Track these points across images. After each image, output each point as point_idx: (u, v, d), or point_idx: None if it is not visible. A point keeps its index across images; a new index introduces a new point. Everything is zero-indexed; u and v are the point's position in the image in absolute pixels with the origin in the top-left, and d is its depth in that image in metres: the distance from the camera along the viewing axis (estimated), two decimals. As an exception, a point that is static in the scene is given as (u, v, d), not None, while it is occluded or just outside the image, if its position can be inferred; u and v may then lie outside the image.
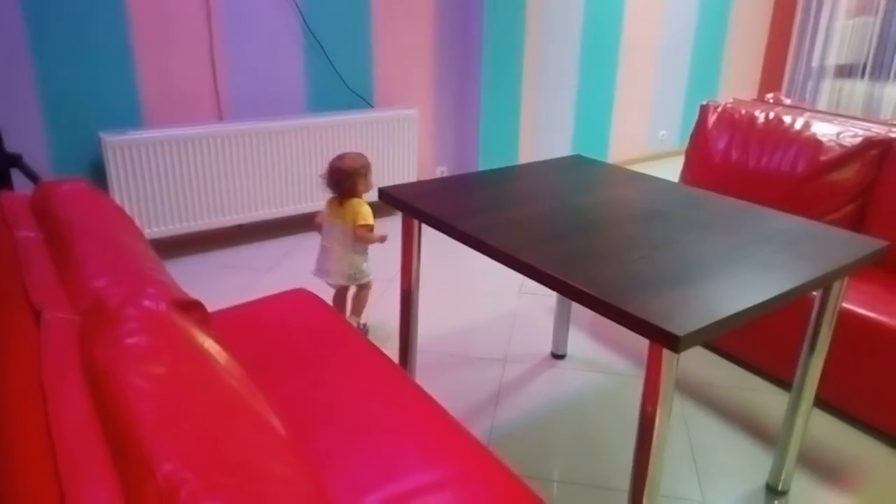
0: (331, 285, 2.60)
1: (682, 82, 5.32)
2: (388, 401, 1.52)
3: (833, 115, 2.71)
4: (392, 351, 2.04)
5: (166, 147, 3.06)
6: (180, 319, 1.14)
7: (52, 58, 2.84)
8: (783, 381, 2.34)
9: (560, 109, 4.67)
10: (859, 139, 2.48)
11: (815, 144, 2.57)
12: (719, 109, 2.95)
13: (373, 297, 2.68)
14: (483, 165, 4.15)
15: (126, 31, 2.99)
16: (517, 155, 4.30)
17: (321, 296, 2.07)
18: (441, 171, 4.22)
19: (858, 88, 5.26)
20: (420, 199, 1.81)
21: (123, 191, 3.00)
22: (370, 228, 2.47)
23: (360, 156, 2.54)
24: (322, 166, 3.65)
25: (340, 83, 3.68)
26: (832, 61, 5.50)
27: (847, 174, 2.49)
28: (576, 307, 2.50)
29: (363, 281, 2.58)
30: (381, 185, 3.72)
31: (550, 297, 2.96)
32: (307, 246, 3.48)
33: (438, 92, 4.06)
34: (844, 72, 5.51)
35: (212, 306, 1.35)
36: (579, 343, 2.58)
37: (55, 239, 1.37)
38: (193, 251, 3.33)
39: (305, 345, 1.75)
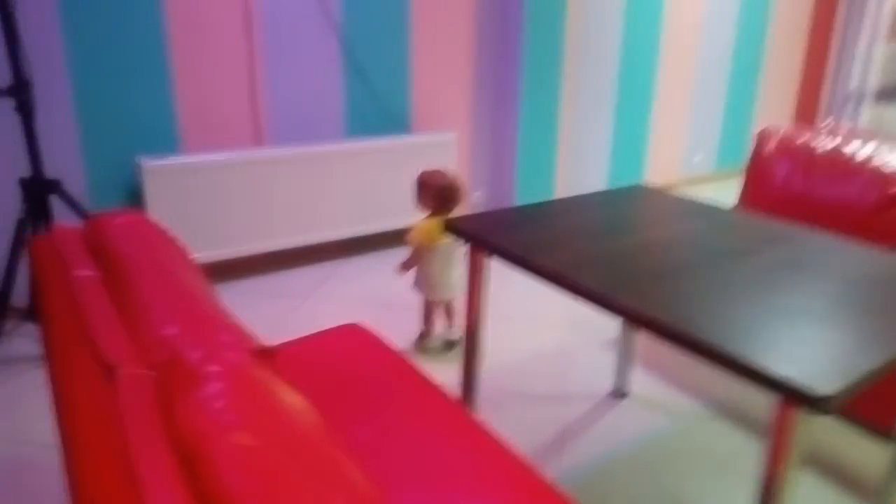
0: (437, 302, 2.63)
1: (719, 106, 5.21)
2: (465, 451, 1.40)
3: (904, 142, 2.59)
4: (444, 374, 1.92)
5: (206, 173, 2.97)
6: (261, 372, 1.03)
7: (90, 79, 2.77)
8: (878, 428, 2.18)
9: (597, 132, 4.56)
10: (936, 168, 2.35)
11: (885, 174, 2.44)
12: (779, 136, 2.83)
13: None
14: (520, 189, 4.05)
15: (165, 53, 2.92)
16: (553, 179, 4.20)
17: (372, 326, 1.95)
18: (477, 196, 4.12)
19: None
20: (491, 231, 1.70)
21: (162, 217, 2.91)
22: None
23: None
24: (360, 191, 3.52)
25: (378, 106, 3.60)
26: (871, 85, 5.38)
27: (923, 205, 2.36)
28: (645, 343, 2.37)
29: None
30: (415, 210, 3.68)
31: (603, 328, 2.83)
32: (344, 273, 3.37)
33: (476, 115, 3.97)
34: (884, 95, 5.39)
35: (257, 334, 1.25)
36: (642, 381, 2.45)
37: (115, 278, 1.27)
38: (230, 278, 3.23)
39: (369, 387, 1.63)
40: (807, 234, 1.76)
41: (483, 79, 3.91)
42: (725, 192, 5.03)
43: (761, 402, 2.34)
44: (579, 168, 4.56)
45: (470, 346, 1.91)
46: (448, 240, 2.49)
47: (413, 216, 3.65)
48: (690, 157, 5.15)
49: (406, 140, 3.56)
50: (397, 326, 2.81)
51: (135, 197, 2.95)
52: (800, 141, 2.75)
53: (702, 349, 1.17)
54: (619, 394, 2.36)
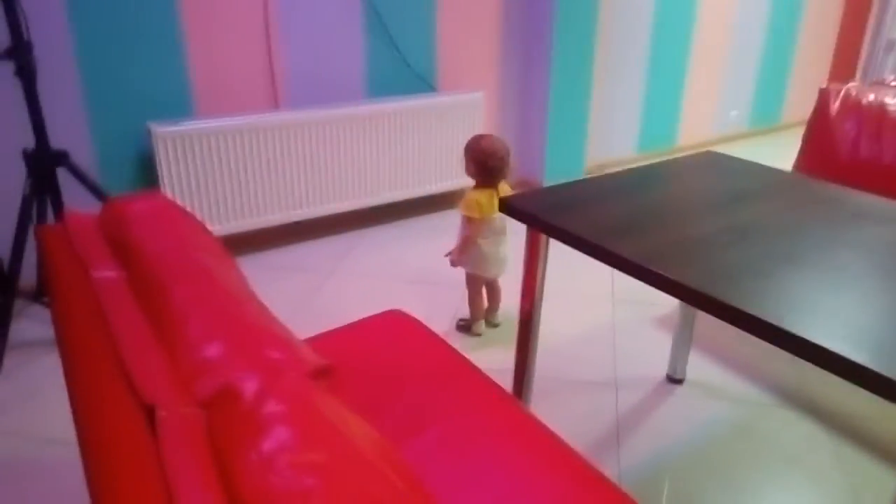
0: (489, 280, 2.45)
1: (754, 60, 4.92)
2: (525, 452, 1.26)
3: None
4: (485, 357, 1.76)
5: (220, 138, 2.77)
6: (326, 404, 0.86)
7: (96, 43, 2.55)
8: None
9: (630, 92, 4.31)
10: None
11: (971, 136, 2.23)
12: (842, 94, 2.60)
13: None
14: (550, 151, 3.83)
15: (175, 12, 2.68)
16: (584, 139, 3.97)
17: (404, 305, 1.78)
18: (504, 160, 3.90)
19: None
20: (554, 212, 1.51)
21: (175, 186, 2.72)
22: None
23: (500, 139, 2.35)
24: (383, 156, 3.34)
25: (403, 65, 3.36)
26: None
27: None
28: (698, 324, 2.20)
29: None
30: (445, 174, 3.49)
31: (652, 305, 2.66)
32: (368, 245, 3.20)
33: (505, 75, 3.73)
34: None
35: (279, 314, 1.09)
36: (699, 365, 2.28)
37: (141, 281, 1.09)
38: (247, 251, 3.06)
39: (422, 387, 1.47)
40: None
41: (513, 36, 3.65)
42: (761, 150, 4.80)
43: (830, 389, 2.17)
44: (611, 128, 4.32)
45: (524, 337, 1.74)
46: (498, 213, 2.26)
47: (444, 181, 3.50)
48: (726, 114, 4.89)
49: (431, 100, 3.33)
50: (430, 303, 2.65)
51: (147, 166, 2.76)
52: (867, 100, 2.52)
53: (837, 365, 0.99)
54: (674, 379, 2.20)
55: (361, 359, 1.59)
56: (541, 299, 1.69)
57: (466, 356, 1.55)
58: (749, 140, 5.10)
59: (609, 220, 1.47)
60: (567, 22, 3.59)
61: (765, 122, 5.23)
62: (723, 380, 2.21)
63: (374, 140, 3.19)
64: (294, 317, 2.51)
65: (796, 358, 1.14)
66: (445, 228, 3.38)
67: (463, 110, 3.44)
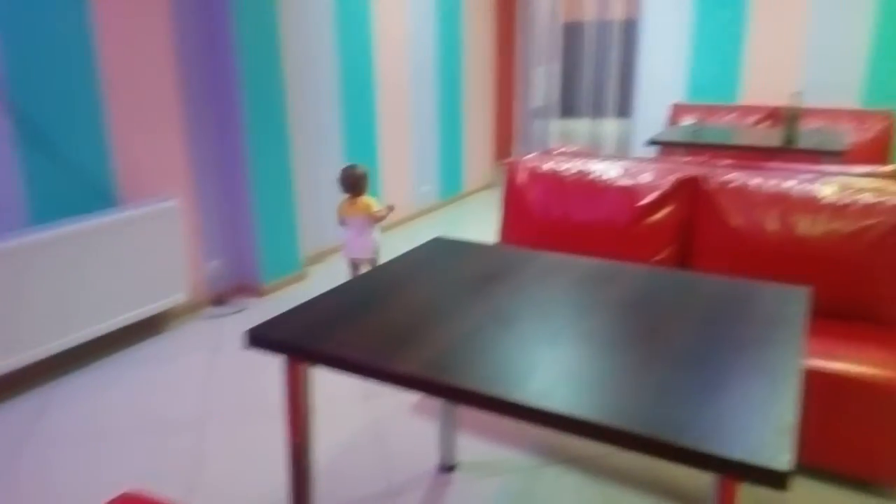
0: (357, 261, 3.44)
1: (435, 139, 5.37)
2: None
3: (635, 159, 2.84)
4: None
5: None
6: None
7: None
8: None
9: (330, 175, 4.33)
10: (668, 180, 2.59)
11: (630, 190, 2.63)
12: (524, 165, 2.91)
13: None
14: (263, 249, 3.62)
15: None
16: (296, 231, 3.85)
17: (145, 470, 1.45)
18: (214, 266, 3.57)
19: (582, 127, 5.87)
20: (312, 337, 1.34)
21: None
22: (381, 211, 3.41)
23: (361, 164, 3.47)
24: (67, 289, 2.93)
25: (74, 181, 2.88)
26: (553, 102, 6.05)
27: (665, 215, 2.59)
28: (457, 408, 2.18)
29: (378, 256, 3.44)
30: (147, 296, 3.04)
31: (404, 395, 2.59)
32: (64, 399, 2.61)
33: (199, 177, 3.44)
34: (565, 111, 6.11)
35: None
36: (468, 446, 2.26)
37: None
38: None
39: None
40: (632, 269, 1.74)
41: (200, 134, 3.40)
42: (455, 218, 5.20)
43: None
44: (321, 215, 4.28)
45: (299, 476, 1.51)
46: (371, 210, 3.37)
47: (148, 304, 3.03)
48: (418, 190, 5.21)
49: (115, 216, 2.89)
50: (162, 452, 2.22)
51: None
52: (545, 168, 2.85)
53: (624, 440, 1.00)
54: (448, 467, 2.14)
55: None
56: (312, 431, 1.50)
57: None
58: (442, 210, 5.50)
59: (375, 334, 1.35)
60: (257, 113, 3.48)
61: (451, 192, 5.72)
62: (493, 455, 2.21)
63: (50, 274, 2.65)
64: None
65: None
66: (159, 358, 2.94)
67: (156, 222, 3.06)
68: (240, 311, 3.47)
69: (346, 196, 3.39)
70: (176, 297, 3.21)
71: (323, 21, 4.09)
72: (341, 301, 1.53)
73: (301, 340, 1.33)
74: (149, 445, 2.28)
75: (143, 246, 3.02)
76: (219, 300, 3.58)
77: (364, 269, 3.32)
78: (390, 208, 3.48)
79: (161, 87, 3.18)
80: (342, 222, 3.44)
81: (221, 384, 2.71)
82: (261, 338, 1.35)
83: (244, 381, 2.73)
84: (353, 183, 3.36)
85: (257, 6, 3.40)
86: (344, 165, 3.42)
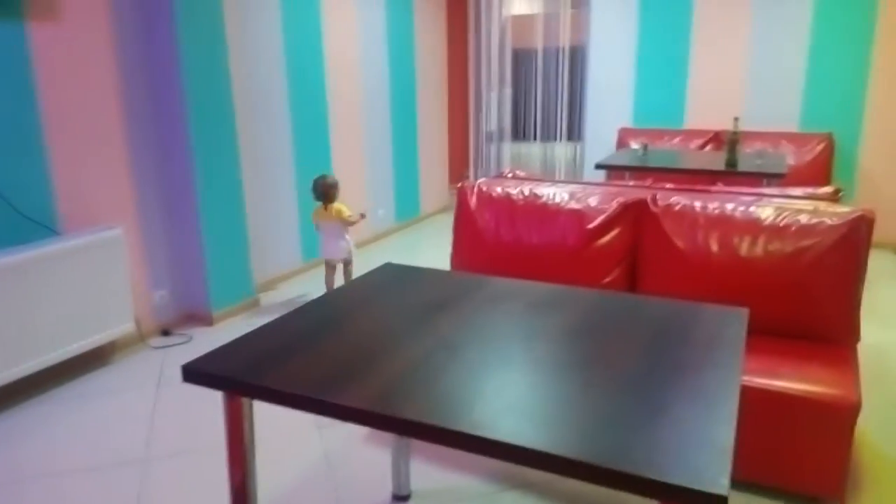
0: (331, 262, 3.83)
1: (389, 163, 5.37)
2: None
3: (583, 183, 2.88)
4: None
5: None
6: None
7: None
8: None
9: (285, 201, 4.29)
10: (615, 204, 2.64)
11: (578, 214, 2.67)
12: (476, 189, 2.92)
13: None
14: (212, 277, 3.55)
15: None
16: (248, 259, 3.79)
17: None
18: (161, 296, 3.48)
19: (535, 150, 5.95)
20: (254, 370, 1.31)
21: None
22: (352, 217, 3.78)
23: (332, 175, 3.89)
24: (7, 323, 2.81)
25: (8, 209, 2.78)
26: (505, 125, 6.13)
27: (612, 238, 2.63)
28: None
29: (351, 257, 3.86)
30: (91, 327, 2.93)
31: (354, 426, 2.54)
32: (6, 433, 2.48)
33: (144, 204, 3.36)
34: (515, 135, 6.19)
35: None
36: (421, 473, 2.22)
37: None
38: None
39: None
40: (578, 292, 1.76)
41: (145, 159, 3.33)
42: (410, 241, 5.19)
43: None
44: (274, 242, 4.22)
45: (241, 516, 1.46)
46: (344, 215, 3.75)
47: (92, 335, 2.92)
48: (374, 214, 5.19)
49: (55, 246, 2.79)
50: (104, 495, 2.13)
51: None
52: (496, 192, 2.87)
53: (571, 468, 1.00)
54: (401, 497, 2.10)
55: None
56: (254, 466, 1.45)
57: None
58: (398, 234, 5.49)
59: (319, 367, 1.32)
60: (205, 138, 3.42)
61: (407, 216, 5.71)
62: (448, 482, 2.19)
63: (-14, 306, 2.54)
64: None
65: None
66: (104, 391, 2.84)
67: (100, 250, 2.97)
68: (187, 340, 3.38)
69: (320, 204, 3.75)
70: (122, 328, 3.11)
71: (272, 44, 4.07)
72: (285, 332, 1.50)
73: (239, 374, 1.29)
74: (89, 484, 2.19)
75: (87, 276, 2.93)
76: (167, 330, 3.48)
77: (339, 268, 3.85)
78: (362, 216, 3.83)
79: (103, 112, 3.12)
80: (317, 227, 3.82)
81: (166, 418, 2.62)
82: (196, 372, 1.31)
83: (189, 415, 2.65)
84: (325, 191, 3.72)
85: (203, 29, 3.36)
86: (316, 176, 3.78)
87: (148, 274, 3.42)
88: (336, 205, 3.75)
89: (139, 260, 3.36)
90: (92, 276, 2.95)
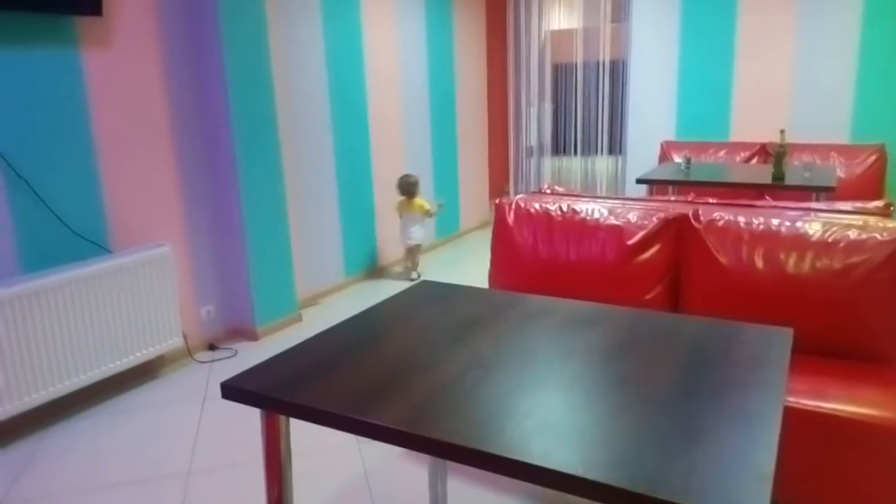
0: (412, 246, 4.68)
1: (429, 179, 5.41)
2: None
3: (623, 199, 2.85)
4: None
5: None
6: None
7: None
8: None
9: (327, 218, 4.36)
10: (656, 219, 2.60)
11: (618, 230, 2.64)
12: (513, 205, 2.92)
13: None
14: (257, 293, 3.62)
15: None
16: (291, 275, 3.86)
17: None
18: (207, 311, 3.57)
19: (575, 165, 5.91)
20: (290, 388, 1.33)
21: None
22: (433, 207, 4.74)
23: (414, 174, 4.74)
24: (60, 338, 2.90)
25: (63, 229, 2.90)
26: (547, 141, 6.12)
27: (653, 254, 2.59)
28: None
29: (422, 242, 4.77)
30: (141, 342, 3.03)
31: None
32: (51, 450, 2.58)
33: (192, 223, 3.46)
34: (556, 149, 6.16)
35: None
36: (458, 490, 2.22)
37: None
38: None
39: None
40: (613, 310, 1.74)
41: (194, 179, 3.44)
42: (450, 257, 5.21)
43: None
44: (317, 258, 4.29)
45: (279, 531, 1.48)
46: (425, 208, 4.67)
47: (142, 350, 3.01)
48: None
49: (107, 263, 2.90)
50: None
51: None
52: (535, 209, 2.86)
53: (611, 496, 0.99)
54: (439, 514, 2.10)
55: None
56: (290, 482, 1.48)
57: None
58: (438, 250, 5.51)
59: (353, 384, 1.34)
60: (249, 156, 3.52)
61: (447, 232, 5.73)
62: (484, 501, 2.18)
63: (43, 322, 2.65)
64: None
65: None
66: (151, 404, 2.92)
67: (149, 268, 3.07)
68: (233, 355, 3.46)
69: (403, 198, 4.62)
70: (170, 343, 3.20)
71: (314, 63, 4.16)
72: (321, 349, 1.53)
73: (274, 392, 1.32)
74: (131, 498, 2.25)
75: (137, 292, 3.03)
76: (213, 344, 3.57)
77: (414, 254, 4.70)
78: (440, 205, 4.81)
79: (153, 134, 3.23)
80: (400, 217, 4.67)
81: (210, 432, 2.68)
82: (234, 389, 1.34)
83: (232, 428, 2.70)
84: (408, 188, 4.60)
85: (248, 47, 3.46)
86: (401, 175, 4.68)
87: (195, 290, 3.51)
88: (418, 199, 4.60)
89: (187, 276, 3.46)
90: (142, 292, 3.05)
